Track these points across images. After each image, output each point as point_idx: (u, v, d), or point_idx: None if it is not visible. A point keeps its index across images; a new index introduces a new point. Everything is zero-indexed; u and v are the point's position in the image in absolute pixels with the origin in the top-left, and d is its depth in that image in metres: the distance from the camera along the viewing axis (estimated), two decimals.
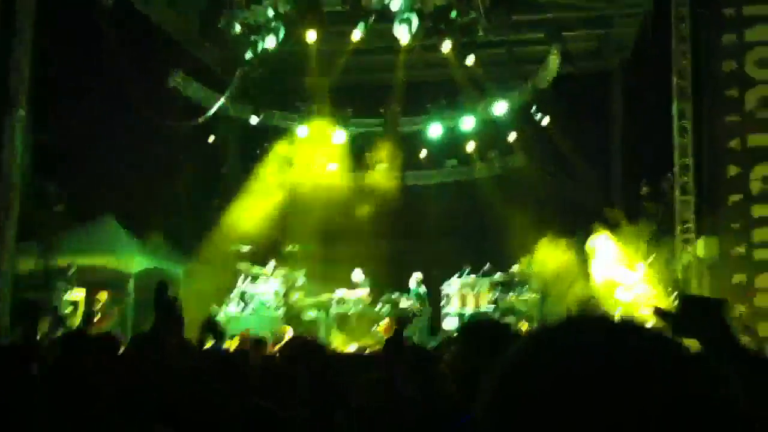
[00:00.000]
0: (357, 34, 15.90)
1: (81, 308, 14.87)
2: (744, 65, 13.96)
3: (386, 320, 15.02)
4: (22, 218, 15.08)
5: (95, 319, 14.02)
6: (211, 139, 18.85)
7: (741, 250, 13.00)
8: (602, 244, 14.44)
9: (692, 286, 13.13)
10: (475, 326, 3.89)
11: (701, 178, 14.04)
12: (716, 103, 14.28)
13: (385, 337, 13.29)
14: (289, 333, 11.57)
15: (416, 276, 15.92)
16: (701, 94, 14.51)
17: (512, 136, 19.13)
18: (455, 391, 3.18)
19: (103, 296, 14.93)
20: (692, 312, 1.95)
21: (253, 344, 9.17)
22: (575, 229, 15.77)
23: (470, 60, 16.09)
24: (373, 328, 14.62)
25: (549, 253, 15.23)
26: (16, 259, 14.82)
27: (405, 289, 16.01)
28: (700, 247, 13.41)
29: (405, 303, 15.57)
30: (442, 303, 16.09)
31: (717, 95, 14.32)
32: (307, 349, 5.53)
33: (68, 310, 14.59)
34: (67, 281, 14.93)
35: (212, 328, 7.90)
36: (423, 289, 15.75)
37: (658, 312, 2.07)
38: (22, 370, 3.23)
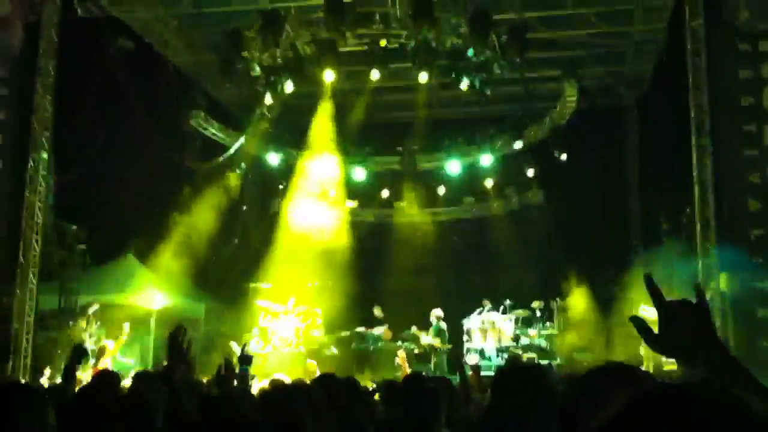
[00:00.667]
0: (375, 74, 16.06)
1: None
2: (762, 100, 13.99)
3: (402, 352, 14.97)
4: (44, 258, 15.22)
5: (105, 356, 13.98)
6: (232, 178, 19.00)
7: (765, 284, 12.91)
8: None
9: (716, 321, 13.03)
10: (505, 378, 3.67)
11: (722, 212, 13.99)
12: (734, 138, 14.28)
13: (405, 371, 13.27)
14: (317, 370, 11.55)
15: (436, 312, 15.86)
16: (719, 129, 14.51)
17: (530, 173, 19.21)
18: None
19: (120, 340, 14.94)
20: (676, 326, 1.66)
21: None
22: (596, 265, 15.76)
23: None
24: (396, 362, 14.51)
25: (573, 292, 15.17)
26: (38, 297, 14.93)
27: (425, 326, 15.96)
28: (723, 282, 13.31)
29: (425, 339, 15.50)
30: (464, 338, 16.02)
31: (735, 130, 14.31)
32: (334, 384, 5.53)
33: (91, 348, 14.60)
34: (89, 319, 14.97)
35: (243, 358, 7.93)
36: (443, 325, 15.70)
37: (636, 323, 1.70)
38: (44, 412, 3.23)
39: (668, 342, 1.67)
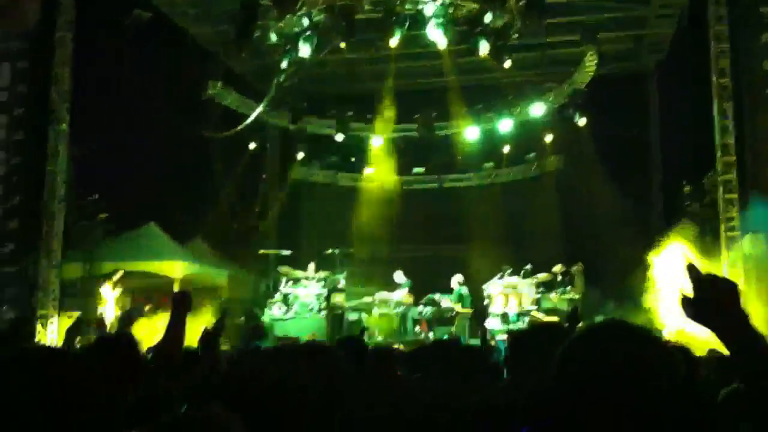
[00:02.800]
0: (393, 41, 15.95)
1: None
2: None
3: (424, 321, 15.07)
4: (66, 228, 15.36)
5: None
6: (252, 146, 19.04)
7: None
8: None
9: (739, 284, 13.02)
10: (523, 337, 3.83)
11: (744, 175, 13.93)
12: (757, 102, 14.21)
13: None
14: None
15: (457, 277, 15.90)
16: (741, 93, 14.42)
17: (549, 138, 19.13)
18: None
19: (147, 305, 15.16)
20: (706, 297, 1.85)
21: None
22: (616, 230, 15.74)
23: (507, 63, 16.08)
24: (417, 329, 14.64)
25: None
26: (62, 267, 15.10)
27: (446, 291, 16.01)
28: (746, 245, 13.29)
29: (447, 304, 15.56)
30: (486, 303, 16.06)
31: (757, 94, 14.24)
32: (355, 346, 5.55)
33: (114, 316, 14.80)
34: (112, 288, 15.16)
35: (257, 332, 8.09)
36: (465, 290, 15.73)
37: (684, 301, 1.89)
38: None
39: (699, 309, 1.86)
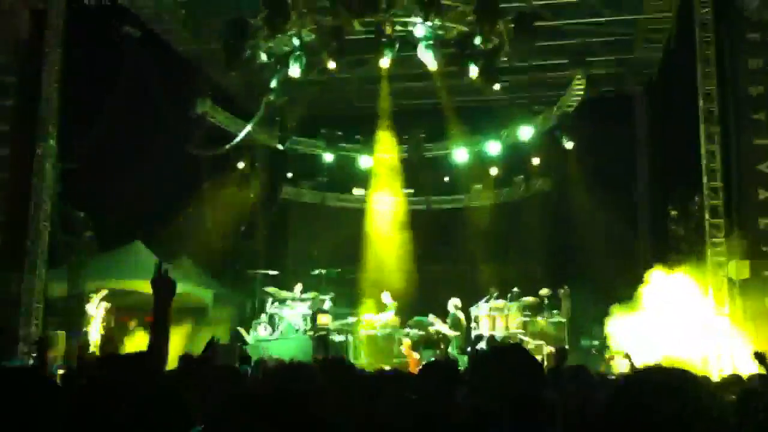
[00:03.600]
0: (383, 62, 15.96)
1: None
2: None
3: (407, 340, 15.03)
4: (51, 245, 15.25)
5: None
6: (241, 165, 19.00)
7: None
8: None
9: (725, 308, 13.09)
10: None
11: (731, 201, 13.97)
12: (744, 127, 14.28)
13: (408, 357, 13.38)
14: None
15: (454, 301, 15.84)
16: (728, 118, 14.49)
17: (537, 161, 19.17)
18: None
19: (132, 323, 15.10)
20: None
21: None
22: (602, 254, 15.74)
23: (496, 86, 16.12)
24: (401, 347, 14.60)
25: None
26: (46, 284, 14.97)
27: (437, 313, 15.92)
28: (732, 270, 13.31)
29: (436, 327, 15.48)
30: (472, 326, 16.02)
31: (744, 118, 14.32)
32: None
33: (98, 333, 14.70)
34: (96, 305, 15.04)
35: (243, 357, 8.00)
36: (460, 314, 15.68)
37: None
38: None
39: None
